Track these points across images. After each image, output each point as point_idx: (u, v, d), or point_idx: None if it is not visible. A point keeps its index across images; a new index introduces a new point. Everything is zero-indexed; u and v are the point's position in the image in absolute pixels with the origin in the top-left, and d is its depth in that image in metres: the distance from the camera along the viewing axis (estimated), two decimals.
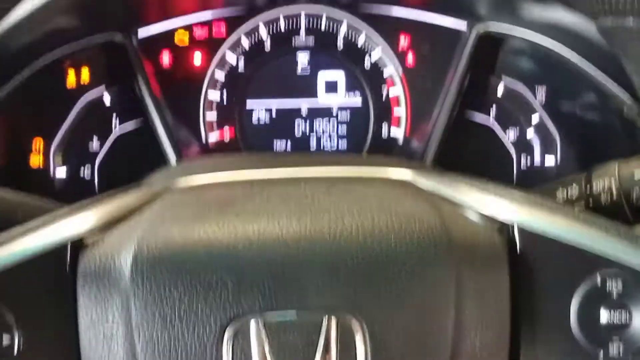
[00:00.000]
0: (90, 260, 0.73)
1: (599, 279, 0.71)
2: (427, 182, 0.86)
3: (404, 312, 0.70)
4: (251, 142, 1.45)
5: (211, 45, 1.44)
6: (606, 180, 0.92)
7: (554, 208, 0.77)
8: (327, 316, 0.70)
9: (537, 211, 0.76)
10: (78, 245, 0.75)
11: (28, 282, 0.73)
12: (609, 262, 0.72)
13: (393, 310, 0.70)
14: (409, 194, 0.80)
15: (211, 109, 1.45)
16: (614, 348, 0.72)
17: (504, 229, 0.76)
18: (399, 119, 1.45)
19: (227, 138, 1.45)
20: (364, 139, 1.45)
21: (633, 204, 0.90)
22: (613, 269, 0.71)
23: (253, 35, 1.44)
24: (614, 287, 0.71)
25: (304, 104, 1.45)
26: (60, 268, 0.73)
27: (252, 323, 0.69)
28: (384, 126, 1.45)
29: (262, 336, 0.69)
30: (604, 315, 0.71)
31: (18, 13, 1.09)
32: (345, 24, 1.44)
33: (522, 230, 0.74)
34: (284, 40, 1.45)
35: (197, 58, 1.44)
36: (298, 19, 1.44)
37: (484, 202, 0.79)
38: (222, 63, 1.44)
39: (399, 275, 0.70)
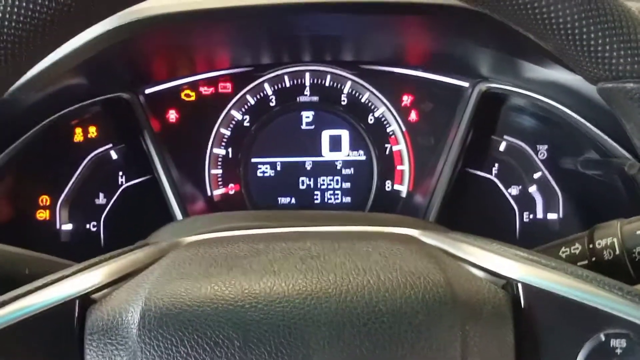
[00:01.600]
0: (97, 317, 0.73)
1: (602, 337, 0.72)
2: (432, 239, 0.87)
3: None
4: (256, 198, 1.47)
5: (217, 103, 1.46)
6: (609, 239, 0.92)
7: (558, 265, 0.77)
8: None
9: (542, 268, 0.76)
10: (86, 301, 0.75)
11: (35, 338, 0.73)
12: (613, 320, 0.72)
13: None
14: (414, 251, 0.80)
15: (216, 165, 1.46)
16: None
17: (509, 286, 0.76)
18: (402, 174, 1.47)
19: (232, 194, 1.46)
20: (368, 195, 1.47)
21: (636, 262, 0.90)
22: (617, 327, 0.72)
23: (258, 93, 1.46)
24: (618, 344, 0.71)
25: (308, 161, 1.46)
26: (67, 324, 0.73)
27: None
28: (388, 182, 1.47)
29: None
30: None
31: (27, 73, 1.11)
32: (349, 83, 1.46)
33: (526, 288, 0.75)
34: (288, 98, 1.47)
35: (203, 115, 1.46)
36: (303, 78, 1.47)
37: (488, 260, 0.80)
38: (228, 120, 1.46)
39: (404, 333, 0.70)
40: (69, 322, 0.74)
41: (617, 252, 0.91)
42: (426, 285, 0.74)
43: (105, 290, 0.78)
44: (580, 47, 0.70)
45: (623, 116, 0.74)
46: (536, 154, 1.42)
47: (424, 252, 0.81)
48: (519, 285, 0.76)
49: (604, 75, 0.71)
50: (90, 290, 0.77)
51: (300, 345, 0.70)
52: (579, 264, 0.92)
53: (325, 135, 1.47)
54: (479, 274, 0.79)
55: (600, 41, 0.69)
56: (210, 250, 0.82)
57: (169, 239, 0.91)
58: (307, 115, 1.47)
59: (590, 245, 0.94)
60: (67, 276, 0.78)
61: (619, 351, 0.72)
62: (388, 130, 1.47)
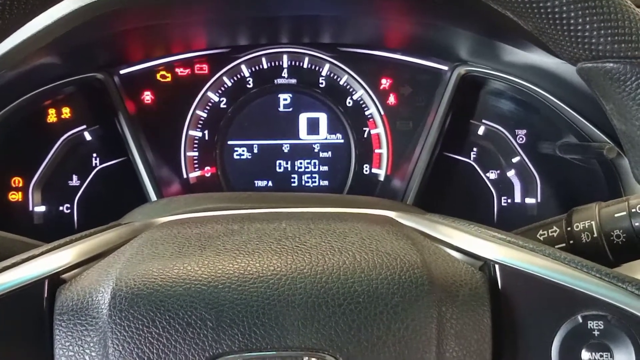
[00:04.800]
0: (67, 297, 0.72)
1: (580, 319, 0.71)
2: (409, 221, 0.86)
3: (385, 352, 0.69)
4: (232, 181, 1.45)
5: (193, 84, 1.45)
6: (587, 222, 0.92)
7: (535, 247, 0.76)
8: (307, 357, 0.69)
9: (519, 250, 0.76)
10: (55, 281, 0.74)
11: (4, 318, 0.71)
12: (591, 302, 0.72)
13: (374, 351, 0.69)
14: (391, 232, 0.79)
15: (192, 148, 1.45)
16: None
17: (486, 267, 0.76)
18: (380, 158, 1.46)
19: (208, 176, 1.45)
20: (345, 178, 1.46)
21: (613, 245, 0.90)
22: (594, 309, 0.71)
23: (235, 75, 1.45)
24: (595, 326, 0.71)
25: (285, 143, 1.45)
26: (36, 305, 0.72)
27: None
28: (366, 165, 1.46)
29: None
30: (585, 355, 0.71)
31: None
32: (327, 65, 1.45)
33: (503, 269, 0.74)
34: (266, 80, 1.46)
35: (179, 96, 1.44)
36: (280, 60, 1.45)
37: (465, 241, 0.79)
38: (204, 102, 1.44)
39: (380, 314, 0.70)
40: (37, 302, 0.73)
41: (595, 234, 0.91)
42: (402, 266, 0.73)
43: (75, 270, 0.76)
44: (560, 26, 0.69)
45: (603, 97, 0.73)
46: (515, 138, 1.42)
47: (400, 234, 0.80)
48: (496, 267, 0.75)
49: (584, 55, 0.70)
50: (60, 270, 0.75)
51: (274, 326, 0.69)
52: (556, 246, 0.92)
53: (303, 117, 1.46)
54: (456, 255, 0.79)
55: (580, 20, 0.68)
56: (184, 231, 0.81)
57: (142, 219, 0.90)
58: (285, 98, 1.46)
59: (568, 228, 0.94)
60: (36, 256, 0.77)
61: (596, 333, 0.72)
62: (366, 113, 1.46)
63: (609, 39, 0.68)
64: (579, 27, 0.68)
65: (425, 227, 0.84)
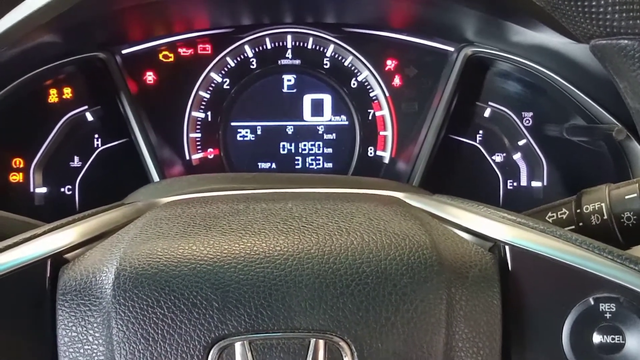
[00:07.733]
0: (70, 277, 0.71)
1: (592, 301, 0.70)
2: (417, 202, 0.85)
3: (394, 333, 0.68)
4: (235, 163, 1.44)
5: (196, 65, 1.43)
6: (596, 204, 0.91)
7: (546, 228, 0.75)
8: (314, 338, 0.68)
9: (530, 231, 0.75)
10: (58, 260, 0.73)
11: (5, 298, 0.70)
12: (602, 284, 0.71)
13: (382, 332, 0.68)
14: (399, 213, 0.78)
15: (195, 129, 1.43)
16: None
17: (496, 248, 0.75)
18: (385, 140, 1.44)
19: (211, 158, 1.44)
20: (350, 160, 1.45)
21: (624, 227, 0.89)
22: (606, 291, 0.70)
23: (239, 55, 1.43)
24: (607, 309, 0.70)
25: (289, 125, 1.44)
26: (39, 284, 0.71)
27: (238, 344, 0.68)
28: (370, 147, 1.45)
29: (247, 358, 0.67)
30: (597, 338, 0.70)
31: None
32: (332, 46, 1.43)
33: (514, 250, 0.73)
34: (269, 61, 1.44)
35: (182, 77, 1.43)
36: (284, 41, 1.44)
37: (475, 222, 0.78)
38: (207, 82, 1.43)
39: (388, 296, 0.69)
40: (40, 282, 0.72)
41: (605, 216, 0.90)
42: (411, 247, 0.72)
43: (78, 250, 0.75)
44: (574, 1, 0.68)
45: (616, 75, 0.72)
46: (521, 120, 1.40)
47: (409, 214, 0.79)
48: (507, 248, 0.74)
49: (598, 31, 0.69)
50: (62, 249, 0.74)
51: (281, 307, 0.68)
52: (565, 229, 0.91)
53: (307, 99, 1.44)
54: (466, 236, 0.78)
55: None
56: (189, 210, 0.80)
57: (146, 199, 0.89)
58: (289, 79, 1.44)
59: (578, 210, 0.92)
60: (38, 235, 0.76)
61: (608, 315, 0.71)
62: (371, 95, 1.44)
63: (624, 15, 0.67)
64: (594, 3, 0.67)
65: (434, 208, 0.83)
